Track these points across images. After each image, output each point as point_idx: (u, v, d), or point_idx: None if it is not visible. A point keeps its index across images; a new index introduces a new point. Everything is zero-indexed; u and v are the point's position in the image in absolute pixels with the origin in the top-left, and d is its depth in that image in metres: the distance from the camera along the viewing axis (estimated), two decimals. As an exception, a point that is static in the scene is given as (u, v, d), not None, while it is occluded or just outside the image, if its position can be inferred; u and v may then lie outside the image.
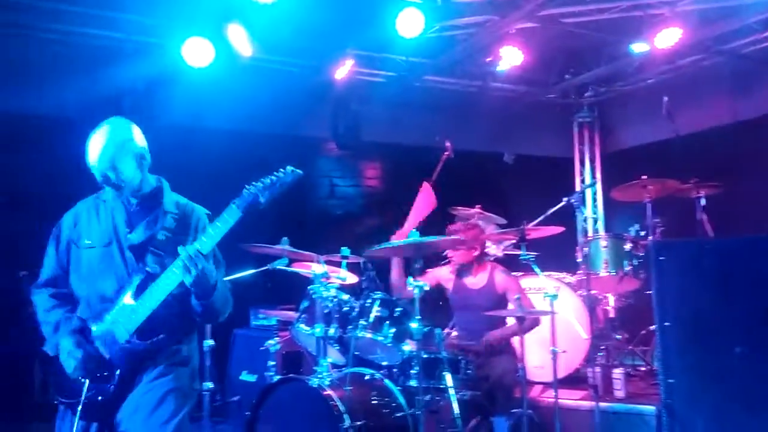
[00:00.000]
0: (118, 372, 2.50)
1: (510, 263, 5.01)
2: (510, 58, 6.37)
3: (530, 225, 4.73)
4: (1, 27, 5.18)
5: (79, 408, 2.46)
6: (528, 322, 4.18)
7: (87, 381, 2.49)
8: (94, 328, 2.56)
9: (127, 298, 2.52)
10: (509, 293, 4.35)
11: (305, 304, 4.10)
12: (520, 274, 4.93)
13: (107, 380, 2.49)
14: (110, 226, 2.61)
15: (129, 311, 2.50)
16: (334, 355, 4.06)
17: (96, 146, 2.55)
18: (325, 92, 6.63)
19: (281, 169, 2.50)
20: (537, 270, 4.39)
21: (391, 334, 3.80)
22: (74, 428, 2.46)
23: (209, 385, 4.46)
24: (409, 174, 7.03)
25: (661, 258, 3.19)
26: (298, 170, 2.51)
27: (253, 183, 2.46)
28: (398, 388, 3.76)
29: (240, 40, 5.54)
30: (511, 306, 4.16)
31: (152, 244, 2.59)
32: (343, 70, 6.31)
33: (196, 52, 5.54)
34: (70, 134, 5.45)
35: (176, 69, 5.60)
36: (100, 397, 2.48)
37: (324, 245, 4.42)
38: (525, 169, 7.39)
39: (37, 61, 5.48)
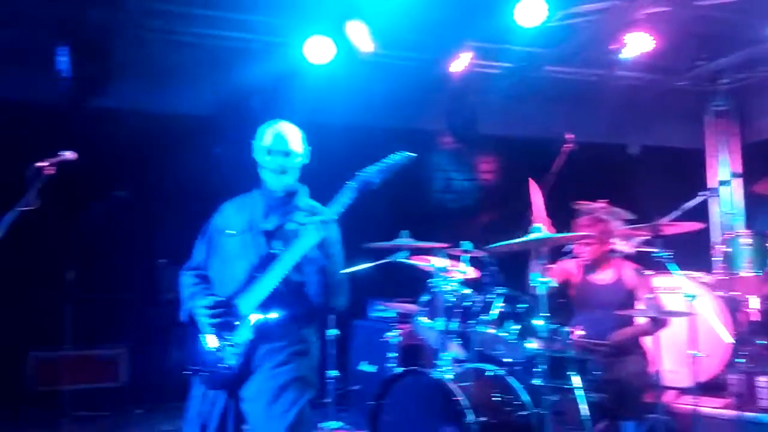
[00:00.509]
0: (243, 344, 2.66)
1: (640, 261, 4.77)
2: (637, 44, 6.03)
3: (664, 220, 4.46)
4: (145, 32, 5.57)
5: (207, 374, 2.68)
6: (656, 323, 3.96)
7: (214, 351, 2.68)
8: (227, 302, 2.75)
9: (256, 275, 2.71)
10: (639, 291, 4.14)
11: (426, 297, 4.12)
12: (652, 272, 4.67)
13: (233, 352, 2.66)
14: (250, 215, 2.87)
15: (256, 288, 2.69)
16: (455, 349, 4.05)
17: (295, 136, 2.88)
18: (442, 85, 6.61)
19: (394, 154, 2.72)
20: (673, 269, 4.13)
21: (515, 331, 3.73)
22: (199, 394, 2.69)
23: (334, 373, 4.61)
24: (526, 167, 6.86)
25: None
26: (410, 153, 2.70)
27: (367, 167, 2.69)
28: (522, 386, 3.70)
29: (360, 36, 5.63)
30: (641, 305, 3.96)
31: (281, 231, 2.79)
32: (460, 63, 6.26)
33: (318, 50, 5.70)
34: (207, 132, 5.87)
35: (298, 67, 5.80)
36: (226, 367, 2.66)
37: (439, 239, 4.43)
38: (651, 161, 7.06)
39: (176, 64, 5.85)
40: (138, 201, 5.50)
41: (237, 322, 2.69)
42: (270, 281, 2.65)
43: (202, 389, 2.72)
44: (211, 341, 2.72)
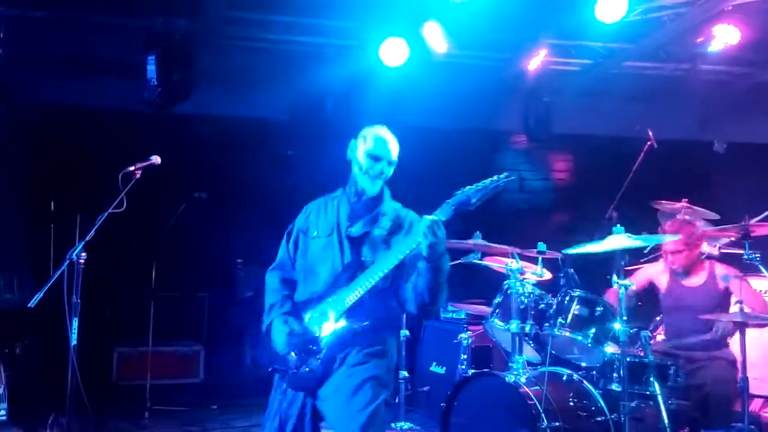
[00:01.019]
0: (325, 349, 2.71)
1: (728, 263, 4.55)
2: (725, 37, 5.76)
3: (754, 220, 4.23)
4: (224, 40, 5.79)
5: (289, 378, 2.74)
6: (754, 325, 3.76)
7: (295, 353, 2.74)
8: (308, 314, 2.80)
9: (342, 284, 2.74)
10: (734, 293, 3.95)
11: (499, 299, 4.08)
12: (741, 275, 4.45)
13: (315, 354, 2.72)
14: (335, 218, 2.90)
15: (342, 295, 2.71)
16: (528, 352, 4.01)
17: (395, 144, 2.91)
18: (517, 84, 6.53)
19: (496, 175, 2.58)
20: (764, 270, 3.92)
21: (591, 334, 3.66)
22: (279, 393, 2.76)
23: (404, 374, 4.63)
24: (603, 166, 6.72)
25: None
26: (511, 176, 2.58)
27: (467, 186, 2.57)
28: (598, 391, 3.61)
29: (435, 37, 5.64)
30: (734, 309, 3.77)
31: (368, 238, 2.81)
32: (535, 61, 6.16)
33: (393, 52, 5.74)
34: (282, 136, 6.04)
35: (373, 69, 5.86)
36: (307, 369, 2.72)
37: (513, 240, 4.37)
38: (739, 158, 6.71)
39: (253, 69, 6.06)
40: (217, 202, 5.71)
41: (319, 334, 2.73)
42: (357, 290, 2.67)
43: (283, 387, 2.79)
44: (293, 347, 2.78)
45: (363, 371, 2.67)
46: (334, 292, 2.74)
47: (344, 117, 6.02)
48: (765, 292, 4.24)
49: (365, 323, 2.68)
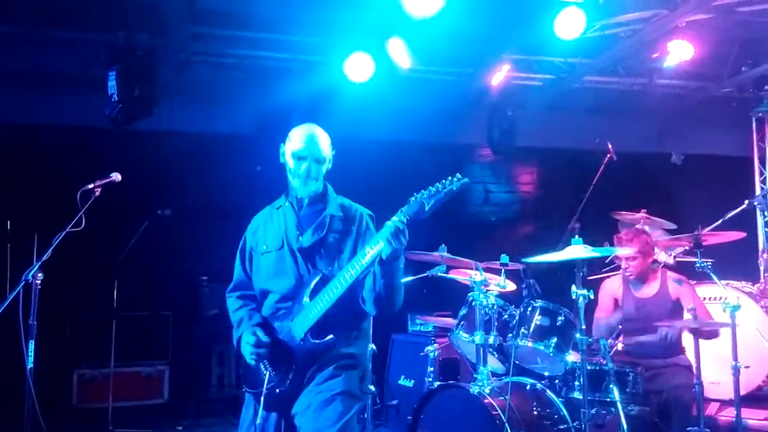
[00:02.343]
0: (294, 367, 2.66)
1: (682, 271, 4.69)
2: (679, 52, 5.97)
3: (706, 230, 4.38)
4: (188, 55, 5.78)
5: (262, 398, 2.64)
6: (704, 332, 3.88)
7: (268, 373, 2.67)
8: (276, 324, 2.74)
9: (305, 299, 2.66)
10: (684, 301, 4.07)
11: (464, 311, 4.12)
12: (694, 282, 4.59)
13: (285, 373, 2.66)
14: (282, 230, 2.78)
15: (305, 311, 2.65)
16: (493, 363, 4.05)
17: (325, 140, 2.78)
18: (481, 99, 6.64)
19: (448, 177, 2.46)
20: (715, 278, 4.06)
21: (553, 344, 3.71)
22: (258, 416, 2.65)
23: (371, 388, 4.62)
24: (566, 179, 6.86)
25: None
26: (463, 178, 2.45)
27: (420, 191, 2.44)
28: (561, 399, 3.67)
29: (399, 53, 5.72)
30: (687, 315, 3.89)
31: (322, 247, 2.73)
32: (498, 76, 6.28)
33: (358, 67, 5.80)
34: (248, 152, 6.02)
35: (338, 84, 5.91)
36: (278, 390, 2.66)
37: (478, 252, 4.43)
38: (695, 169, 6.91)
39: (217, 85, 6.06)
40: (181, 219, 5.65)
41: (285, 348, 2.66)
42: (319, 305, 2.60)
43: (255, 406, 2.70)
44: (263, 365, 2.72)
45: (333, 385, 2.63)
46: (295, 307, 2.69)
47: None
48: (716, 299, 4.37)
49: (330, 338, 2.62)
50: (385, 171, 6.11)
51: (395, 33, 5.68)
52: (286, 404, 2.68)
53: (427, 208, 2.42)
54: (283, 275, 2.74)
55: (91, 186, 3.22)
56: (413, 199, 2.45)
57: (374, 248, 2.48)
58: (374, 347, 4.69)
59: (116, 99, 5.12)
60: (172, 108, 5.76)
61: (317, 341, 2.63)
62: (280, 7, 5.51)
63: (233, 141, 6.08)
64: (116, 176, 3.33)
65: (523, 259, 3.99)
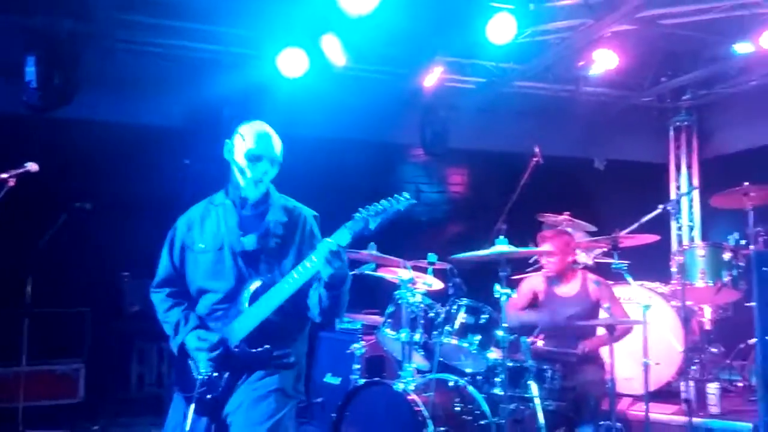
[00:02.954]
0: (227, 374, 2.59)
1: (600, 272, 4.88)
2: (604, 61, 6.22)
3: (623, 233, 4.59)
4: (114, 43, 5.58)
5: (193, 404, 2.55)
6: (620, 331, 4.06)
7: (201, 376, 2.58)
8: (212, 325, 2.65)
9: (243, 305, 2.58)
10: (602, 301, 4.25)
11: (391, 309, 4.16)
12: (611, 283, 4.80)
13: (218, 379, 2.59)
14: (222, 230, 2.66)
15: (243, 317, 2.56)
16: (418, 360, 4.10)
17: (278, 141, 2.65)
18: (414, 99, 6.71)
19: (395, 195, 2.46)
20: (629, 279, 4.26)
21: (477, 341, 3.80)
22: (188, 420, 2.55)
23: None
24: (495, 180, 7.01)
25: (764, 269, 3.04)
26: (410, 198, 2.46)
27: (366, 207, 2.43)
28: (482, 395, 3.75)
29: (334, 50, 5.70)
30: (603, 314, 4.06)
31: (264, 252, 2.63)
32: (432, 77, 6.36)
33: (291, 63, 5.75)
34: (175, 144, 5.87)
35: (271, 79, 5.84)
36: (209, 395, 2.58)
37: (409, 251, 4.47)
38: (617, 175, 7.21)
39: (144, 75, 5.86)
40: (102, 213, 5.45)
41: (222, 352, 2.57)
42: (262, 311, 2.52)
43: (185, 410, 2.59)
44: (200, 369, 2.61)
45: (268, 384, 2.58)
46: (233, 311, 2.60)
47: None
48: (632, 299, 4.57)
49: (265, 348, 2.56)
50: (318, 168, 6.08)
51: (330, 29, 5.66)
52: (218, 408, 2.61)
53: (372, 226, 2.42)
54: (222, 276, 2.63)
55: (4, 176, 3.08)
56: (358, 215, 2.43)
57: (309, 264, 2.45)
58: (303, 345, 4.68)
59: (35, 86, 4.89)
60: (95, 97, 5.53)
61: (252, 351, 2.56)
62: (212, -3, 5.41)
63: (159, 133, 5.90)
64: (32, 166, 3.19)
65: (449, 257, 4.07)
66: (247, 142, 2.60)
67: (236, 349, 2.57)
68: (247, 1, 5.46)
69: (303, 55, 5.77)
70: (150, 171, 5.63)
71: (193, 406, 2.57)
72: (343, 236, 2.41)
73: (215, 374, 2.58)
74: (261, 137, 2.61)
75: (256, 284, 2.57)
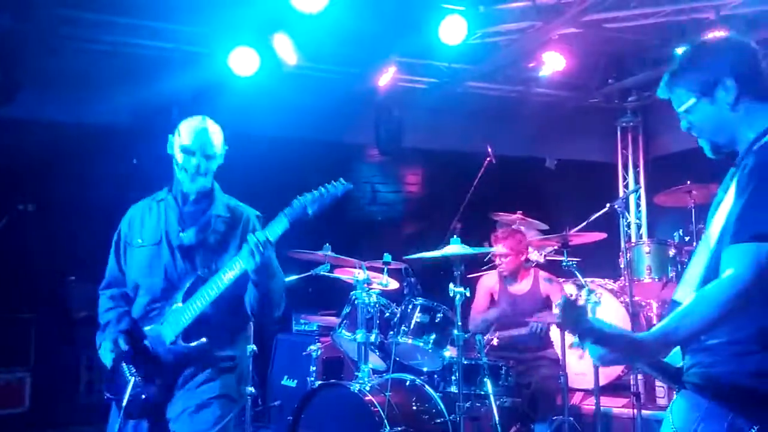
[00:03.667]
0: (162, 371, 2.56)
1: (551, 269, 4.98)
2: (552, 63, 6.33)
3: (573, 231, 4.70)
4: (57, 40, 5.39)
5: (123, 405, 2.51)
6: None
7: (132, 379, 2.54)
8: (147, 328, 2.62)
9: (178, 303, 2.57)
10: (553, 298, 4.34)
11: (347, 309, 4.15)
12: (562, 280, 4.90)
13: (152, 379, 2.55)
14: (162, 224, 2.67)
15: (178, 313, 2.55)
16: (375, 360, 4.11)
17: (218, 135, 2.67)
18: (368, 99, 6.70)
19: (332, 182, 2.50)
20: (579, 276, 4.36)
21: (432, 340, 3.83)
22: (117, 425, 2.52)
23: (251, 389, 4.54)
24: (450, 180, 7.07)
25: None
26: (347, 183, 2.52)
27: (304, 194, 2.47)
28: (438, 394, 3.79)
29: (285, 49, 5.65)
30: (555, 311, 4.15)
31: (203, 247, 2.64)
32: (385, 77, 6.37)
33: (242, 61, 5.67)
34: (122, 143, 5.71)
35: (222, 77, 5.74)
36: (144, 396, 2.54)
37: (365, 251, 4.47)
38: (567, 174, 7.34)
39: (89, 72, 5.67)
40: (46, 215, 5.26)
41: (155, 350, 2.56)
42: (196, 306, 2.51)
43: (116, 414, 2.55)
44: (128, 370, 2.58)
45: (211, 389, 2.56)
46: (169, 308, 2.58)
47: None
48: (581, 296, 4.68)
49: (201, 341, 2.54)
50: (271, 167, 6.01)
51: (282, 28, 5.61)
52: (158, 410, 2.56)
53: (310, 212, 2.46)
54: (156, 272, 2.62)
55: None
56: (296, 202, 2.46)
57: (237, 265, 2.47)
58: (254, 348, 4.62)
59: (-28, 84, 4.68)
60: (38, 95, 5.33)
61: (188, 345, 2.54)
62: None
63: (106, 132, 5.71)
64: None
65: (405, 257, 4.08)
66: (183, 138, 2.63)
67: (172, 346, 2.55)
68: (197, -1, 5.36)
69: (254, 54, 5.69)
70: (96, 171, 5.46)
71: (123, 409, 2.53)
72: (280, 223, 2.45)
73: (150, 372, 2.55)
74: (196, 132, 2.63)
75: (191, 280, 2.58)
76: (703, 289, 1.60)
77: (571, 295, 1.59)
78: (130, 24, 5.54)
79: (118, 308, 2.71)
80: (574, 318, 1.58)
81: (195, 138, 2.62)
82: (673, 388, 1.78)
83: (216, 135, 2.67)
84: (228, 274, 2.49)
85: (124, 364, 2.59)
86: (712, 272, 1.64)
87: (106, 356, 2.63)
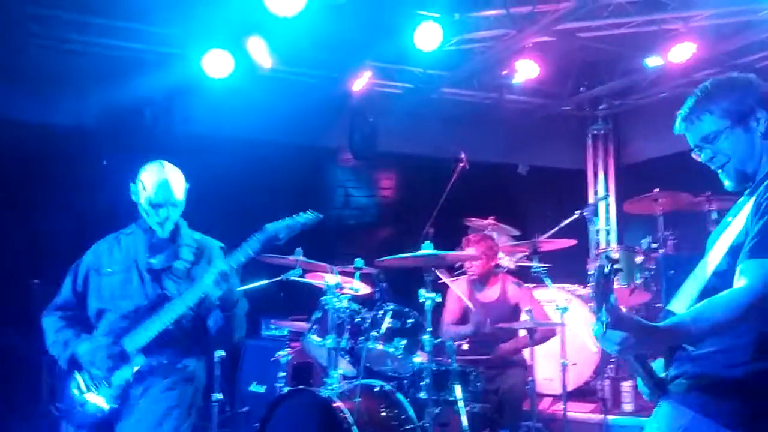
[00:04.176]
0: (120, 386, 2.63)
1: (522, 275, 5.02)
2: (526, 71, 6.41)
3: (543, 237, 4.75)
4: (26, 38, 5.29)
5: (76, 418, 2.61)
6: (541, 334, 4.19)
7: (89, 391, 2.59)
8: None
9: (144, 319, 2.65)
10: (522, 305, 4.37)
11: (317, 315, 4.12)
12: (532, 286, 4.94)
13: (110, 393, 2.61)
14: (132, 253, 2.79)
15: (140, 330, 2.64)
16: (344, 366, 4.09)
17: (178, 181, 2.77)
18: (343, 103, 6.70)
19: (302, 213, 2.71)
20: (548, 282, 4.41)
21: (402, 346, 3.82)
22: None
23: (218, 396, 4.49)
24: (423, 185, 7.10)
25: (670, 272, 3.21)
26: (318, 214, 2.73)
27: (278, 220, 2.66)
28: (408, 400, 3.77)
29: (260, 52, 5.62)
30: (524, 317, 4.19)
31: (171, 271, 2.75)
32: (360, 82, 6.38)
33: (216, 64, 5.63)
34: (92, 144, 5.62)
35: (196, 80, 5.69)
36: (97, 411, 2.60)
37: (338, 255, 4.46)
38: (539, 180, 7.43)
39: (59, 72, 5.59)
40: (10, 216, 5.15)
41: (117, 365, 2.62)
42: (159, 323, 2.61)
43: (67, 428, 2.65)
44: (84, 383, 2.63)
45: (167, 399, 2.62)
46: (137, 327, 2.65)
47: (165, 127, 5.77)
48: (551, 302, 4.73)
49: (162, 358, 2.64)
50: (245, 170, 5.96)
51: (256, 31, 5.58)
52: (107, 424, 2.61)
53: (281, 237, 2.67)
54: (128, 296, 2.72)
55: None
56: (270, 226, 2.67)
57: (201, 292, 2.60)
58: (223, 353, 4.58)
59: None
60: (5, 94, 5.24)
61: (149, 362, 2.63)
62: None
63: (76, 133, 5.61)
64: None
65: (375, 261, 4.08)
66: (148, 191, 2.74)
67: (134, 362, 2.63)
68: (172, 0, 5.30)
69: (229, 56, 5.66)
70: (64, 172, 5.37)
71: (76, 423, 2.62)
72: (252, 244, 2.63)
73: (106, 387, 2.60)
74: (159, 186, 2.73)
75: (160, 297, 2.68)
76: (714, 296, 1.69)
77: (605, 267, 1.62)
78: (102, 24, 5.48)
79: (72, 327, 2.76)
80: (605, 292, 1.64)
81: (159, 192, 2.73)
82: (654, 395, 1.83)
83: (177, 182, 2.79)
84: (192, 298, 2.61)
85: (78, 376, 2.64)
86: (708, 294, 1.74)
87: (97, 354, 2.63)
